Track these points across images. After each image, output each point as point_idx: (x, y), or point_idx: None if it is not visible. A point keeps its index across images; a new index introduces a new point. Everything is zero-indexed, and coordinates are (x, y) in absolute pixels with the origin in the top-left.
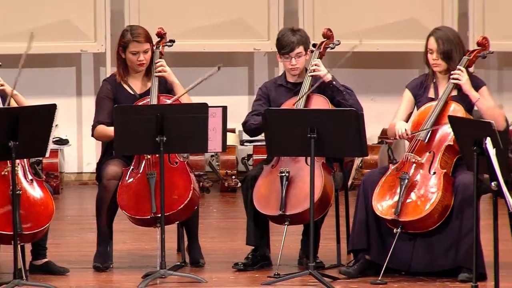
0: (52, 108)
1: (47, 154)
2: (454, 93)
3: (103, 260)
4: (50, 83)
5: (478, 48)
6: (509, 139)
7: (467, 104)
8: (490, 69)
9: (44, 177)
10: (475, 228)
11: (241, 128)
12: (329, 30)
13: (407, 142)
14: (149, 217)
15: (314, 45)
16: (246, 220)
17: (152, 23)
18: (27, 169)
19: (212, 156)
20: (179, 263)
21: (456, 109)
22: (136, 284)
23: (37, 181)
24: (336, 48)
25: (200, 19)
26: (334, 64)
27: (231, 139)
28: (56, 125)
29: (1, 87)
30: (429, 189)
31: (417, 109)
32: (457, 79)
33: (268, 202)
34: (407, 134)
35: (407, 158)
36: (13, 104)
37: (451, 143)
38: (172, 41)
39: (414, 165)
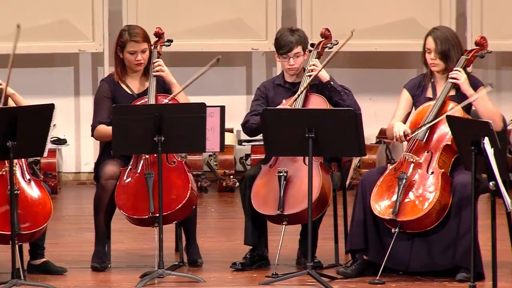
0: (50, 108)
1: (45, 154)
2: (452, 92)
3: (101, 260)
4: (48, 83)
5: (476, 47)
6: (507, 138)
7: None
8: (488, 68)
9: (42, 177)
10: (473, 228)
11: (239, 128)
12: (327, 30)
13: (405, 142)
14: (147, 216)
15: (312, 45)
16: (244, 220)
17: (150, 22)
18: (25, 169)
19: (210, 155)
20: (177, 262)
21: (454, 109)
22: (134, 284)
23: (35, 181)
24: (334, 48)
25: (198, 19)
26: (333, 64)
27: (229, 139)
28: (54, 125)
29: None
30: (427, 189)
31: (415, 109)
32: (455, 78)
33: (266, 202)
34: (405, 136)
35: (405, 158)
36: (11, 103)
37: (449, 142)
38: (170, 40)
39: (412, 165)
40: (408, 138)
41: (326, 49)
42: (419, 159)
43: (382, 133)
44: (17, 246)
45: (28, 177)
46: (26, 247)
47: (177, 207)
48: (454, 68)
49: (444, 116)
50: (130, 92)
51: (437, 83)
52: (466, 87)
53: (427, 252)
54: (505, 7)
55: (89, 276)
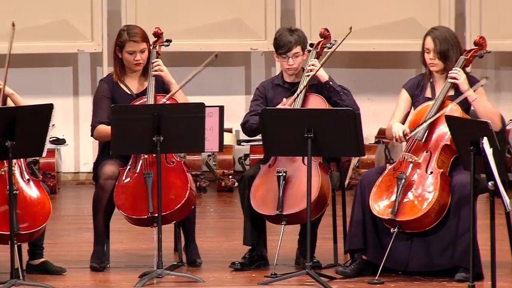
0: (49, 108)
1: (44, 154)
2: (451, 92)
3: (100, 260)
4: (47, 83)
5: (475, 47)
6: (506, 138)
7: (464, 103)
8: (487, 68)
9: (41, 177)
10: (472, 228)
11: (238, 128)
12: (326, 29)
13: (404, 142)
14: (146, 216)
15: (311, 45)
16: (243, 220)
17: (149, 22)
18: (24, 169)
19: (209, 155)
20: (176, 262)
21: (453, 109)
22: (133, 284)
23: (34, 181)
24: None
25: (197, 19)
26: (332, 64)
27: (228, 139)
28: (53, 125)
29: None
30: (426, 189)
31: (414, 109)
32: (454, 78)
33: (265, 202)
34: (404, 136)
35: (404, 157)
36: (10, 103)
37: (448, 142)
38: (169, 40)
39: (411, 164)
40: (407, 138)
41: (325, 49)
42: (418, 159)
43: (381, 133)
44: (16, 246)
45: (27, 177)
46: (25, 247)
47: (176, 207)
48: (453, 68)
49: (444, 111)
50: (129, 92)
51: (436, 83)
52: (465, 87)
53: (426, 252)
54: (504, 7)
55: (88, 276)
